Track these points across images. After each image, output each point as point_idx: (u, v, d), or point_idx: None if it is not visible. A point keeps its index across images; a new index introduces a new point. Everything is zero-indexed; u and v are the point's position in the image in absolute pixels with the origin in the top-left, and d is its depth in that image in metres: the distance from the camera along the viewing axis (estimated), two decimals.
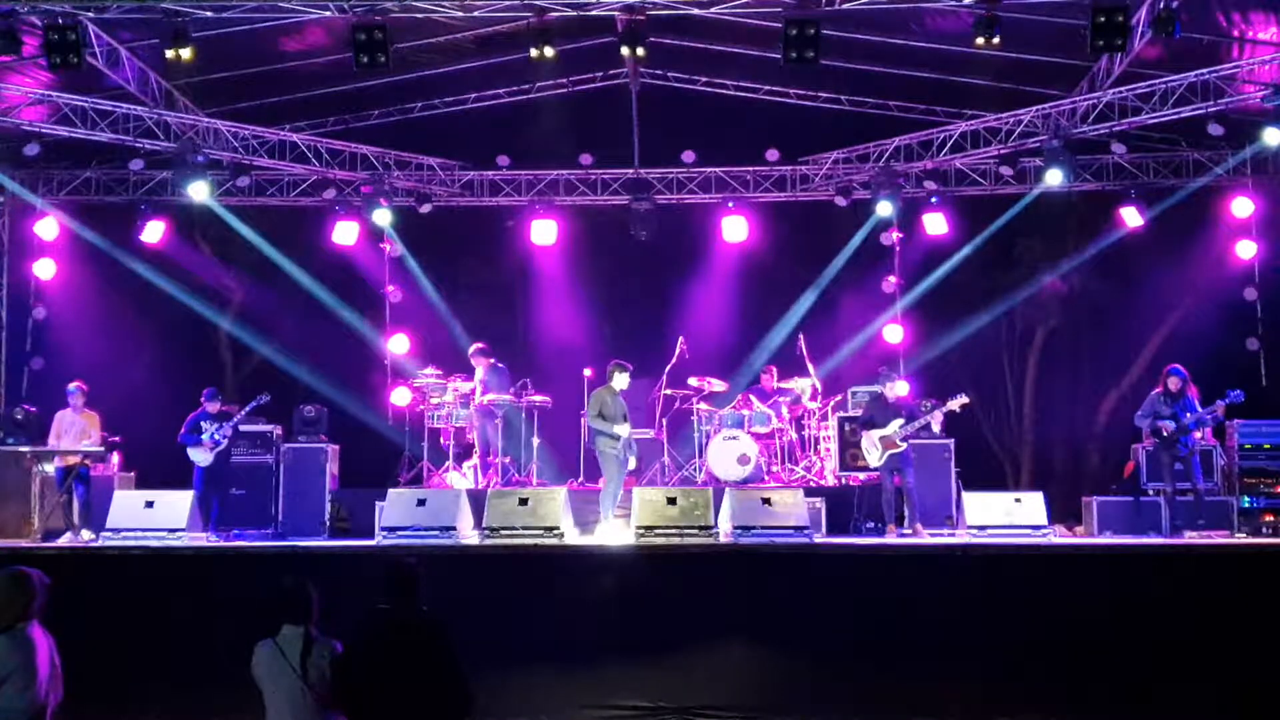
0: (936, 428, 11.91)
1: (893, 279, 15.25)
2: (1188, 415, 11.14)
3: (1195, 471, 11.25)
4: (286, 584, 5.77)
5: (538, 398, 13.42)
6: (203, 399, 11.91)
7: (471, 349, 13.81)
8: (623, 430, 11.18)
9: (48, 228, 14.81)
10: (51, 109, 13.21)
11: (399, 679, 5.41)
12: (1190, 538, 10.80)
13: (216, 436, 11.70)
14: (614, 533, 10.79)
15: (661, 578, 9.23)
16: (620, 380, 11.34)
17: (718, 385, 13.62)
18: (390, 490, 11.00)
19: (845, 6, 10.74)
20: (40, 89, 12.90)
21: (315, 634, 5.69)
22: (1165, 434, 11.18)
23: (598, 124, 14.95)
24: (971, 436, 13.77)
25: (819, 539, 10.71)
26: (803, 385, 13.78)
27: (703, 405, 13.52)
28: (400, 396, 14.60)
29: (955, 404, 11.83)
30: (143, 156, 13.98)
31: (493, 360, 13.68)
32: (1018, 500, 10.88)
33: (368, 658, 5.51)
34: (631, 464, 11.50)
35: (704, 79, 14.56)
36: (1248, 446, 12.31)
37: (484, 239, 15.70)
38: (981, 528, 10.55)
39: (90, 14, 10.96)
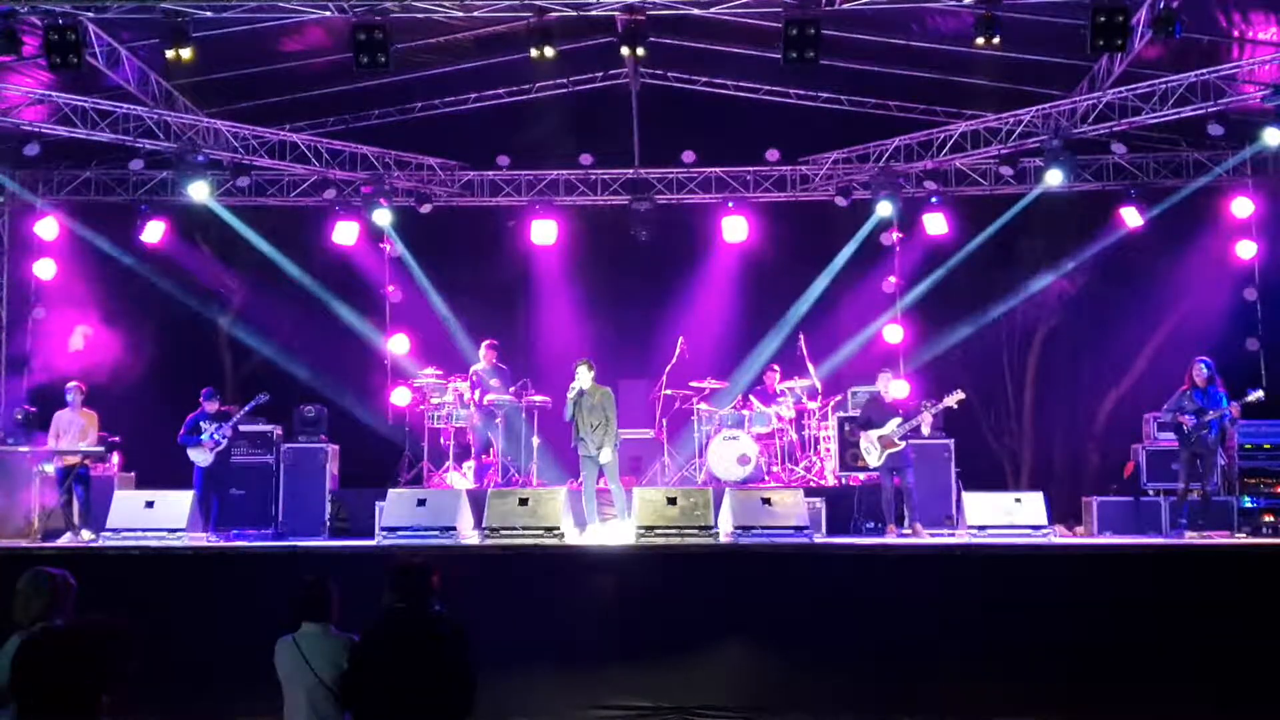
0: (926, 430, 11.76)
1: (893, 279, 15.26)
2: (1211, 411, 11.10)
3: (1214, 469, 11.23)
4: (307, 581, 5.79)
5: (538, 398, 13.43)
6: (201, 399, 11.91)
7: (485, 342, 13.84)
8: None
9: (48, 228, 14.80)
10: (51, 109, 13.21)
11: (405, 675, 5.42)
12: (1190, 538, 10.80)
13: (216, 436, 11.70)
14: (609, 532, 10.81)
15: (661, 578, 9.24)
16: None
17: (716, 384, 13.67)
18: (390, 490, 11.02)
19: (845, 6, 10.74)
20: (40, 89, 12.89)
21: (335, 631, 5.71)
22: (1186, 429, 11.12)
23: (598, 124, 14.95)
24: (971, 436, 13.79)
25: (819, 539, 10.73)
26: (802, 385, 13.80)
27: (703, 405, 13.54)
28: (400, 396, 14.62)
29: (952, 399, 11.81)
30: (143, 156, 13.97)
31: (497, 359, 13.72)
32: (1018, 500, 10.88)
33: (376, 654, 5.51)
34: (603, 458, 11.09)
35: (704, 79, 14.55)
36: (1248, 446, 12.32)
37: (484, 239, 15.69)
38: (981, 528, 10.56)
39: (90, 14, 10.95)
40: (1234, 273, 14.54)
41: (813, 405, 13.80)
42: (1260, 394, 11.31)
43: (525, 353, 15.13)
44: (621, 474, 11.69)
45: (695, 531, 9.86)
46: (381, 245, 15.46)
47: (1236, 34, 11.93)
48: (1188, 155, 14.50)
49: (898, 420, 11.59)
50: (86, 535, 11.21)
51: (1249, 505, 12.04)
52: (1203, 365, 11.27)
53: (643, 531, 9.93)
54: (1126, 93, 12.74)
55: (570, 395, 11.09)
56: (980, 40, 10.63)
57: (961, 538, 10.78)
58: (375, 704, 5.44)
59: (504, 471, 13.20)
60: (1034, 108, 13.46)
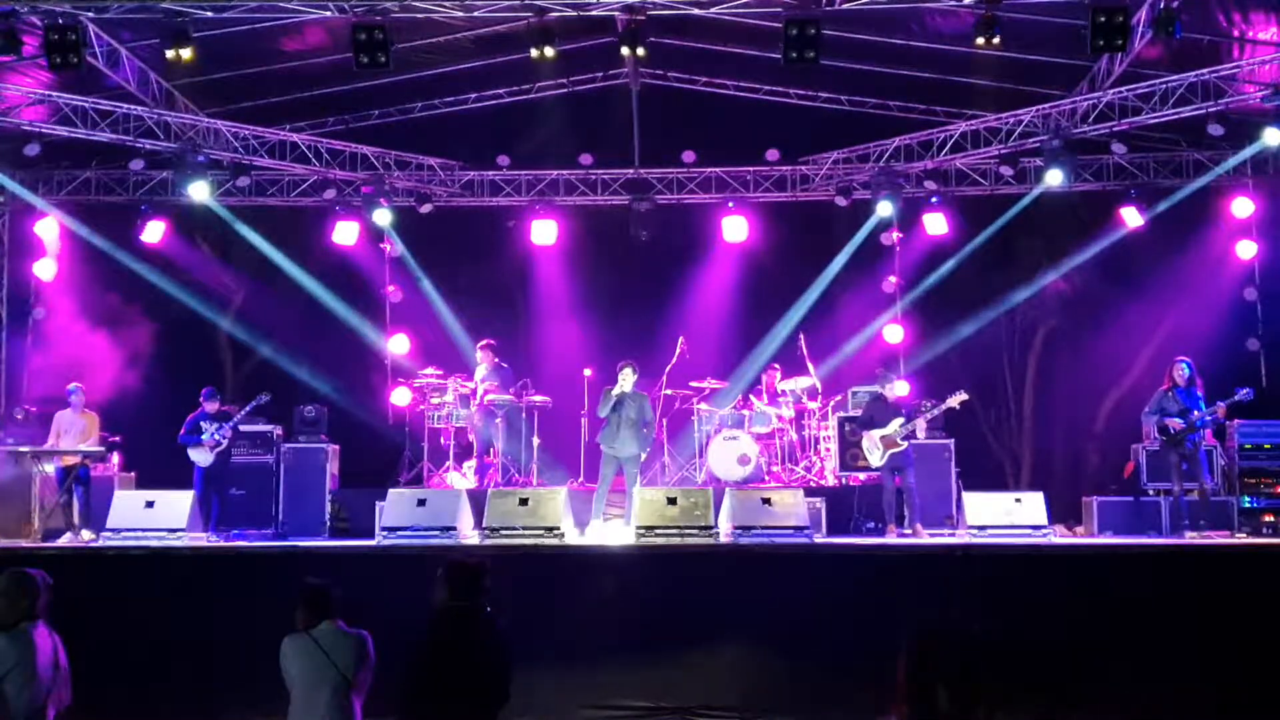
0: (921, 434, 11.77)
1: (893, 279, 15.26)
2: (1195, 413, 11.10)
3: (1203, 469, 11.22)
4: (318, 581, 5.85)
5: (538, 398, 13.44)
6: (201, 399, 11.90)
7: (480, 344, 13.85)
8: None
9: (48, 228, 14.81)
10: (51, 109, 13.21)
11: (462, 670, 5.51)
12: (1190, 538, 10.80)
13: (216, 436, 11.70)
14: (609, 532, 10.81)
15: (661, 578, 9.23)
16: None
17: (716, 384, 13.68)
18: (390, 490, 11.00)
19: (845, 6, 10.74)
20: (40, 89, 12.90)
21: (345, 627, 5.75)
22: (1173, 431, 11.12)
23: (598, 124, 14.96)
24: (971, 436, 13.78)
25: (819, 539, 10.72)
26: (803, 385, 13.80)
27: (703, 405, 13.54)
28: (400, 396, 14.62)
29: (955, 400, 11.82)
30: (143, 156, 13.96)
31: (497, 359, 13.72)
32: (1018, 500, 10.87)
33: (439, 649, 5.59)
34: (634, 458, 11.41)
35: (704, 79, 14.56)
36: (1248, 446, 12.31)
37: (484, 239, 15.68)
38: (981, 528, 10.54)
39: (90, 14, 10.96)
40: (1234, 273, 14.53)
41: (813, 405, 13.80)
42: (1249, 392, 11.26)
43: (525, 353, 15.10)
44: None
45: (695, 531, 9.85)
46: (381, 245, 15.46)
47: (1236, 34, 11.94)
48: (1188, 155, 14.50)
49: (900, 420, 11.59)
50: (86, 535, 11.21)
51: (1249, 505, 12.03)
52: (1184, 365, 11.25)
53: (643, 531, 9.93)
54: (1126, 93, 12.74)
55: (613, 394, 11.19)
56: (980, 40, 10.64)
57: (961, 538, 10.77)
58: (432, 696, 5.49)
59: (504, 471, 13.20)
60: (1034, 108, 13.46)
